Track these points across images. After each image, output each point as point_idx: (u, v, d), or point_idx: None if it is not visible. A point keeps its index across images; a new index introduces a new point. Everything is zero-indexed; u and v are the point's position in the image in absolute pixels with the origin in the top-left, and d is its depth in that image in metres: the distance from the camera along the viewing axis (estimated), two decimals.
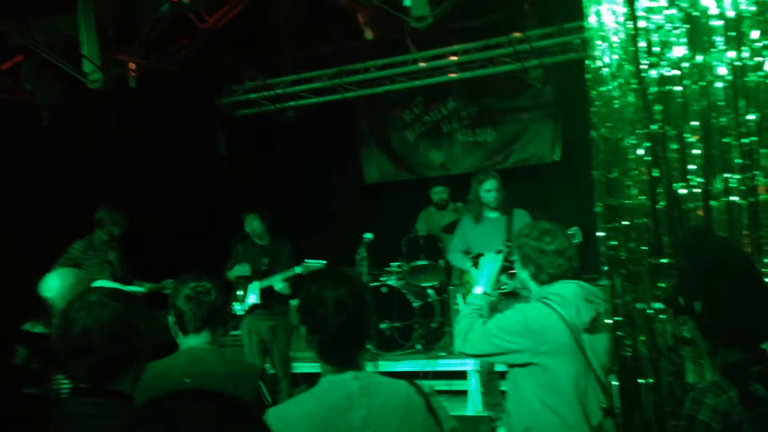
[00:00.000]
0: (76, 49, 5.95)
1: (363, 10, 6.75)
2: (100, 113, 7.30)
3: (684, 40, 2.50)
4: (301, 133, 8.55)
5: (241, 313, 5.91)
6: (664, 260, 2.54)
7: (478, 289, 2.94)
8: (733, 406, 1.76)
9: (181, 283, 2.55)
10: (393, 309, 6.62)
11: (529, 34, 6.88)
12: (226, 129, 8.62)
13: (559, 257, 2.73)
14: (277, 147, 8.78)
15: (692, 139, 2.50)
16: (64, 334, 1.84)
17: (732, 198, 2.47)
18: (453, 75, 7.59)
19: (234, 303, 5.93)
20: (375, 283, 6.79)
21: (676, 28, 2.50)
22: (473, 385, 5.95)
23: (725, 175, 2.47)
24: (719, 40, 2.44)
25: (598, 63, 2.65)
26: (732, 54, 2.41)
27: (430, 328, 6.82)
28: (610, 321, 2.56)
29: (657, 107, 2.53)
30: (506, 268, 3.05)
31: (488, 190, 5.18)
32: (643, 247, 2.54)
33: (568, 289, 2.70)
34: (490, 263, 2.98)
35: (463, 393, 6.03)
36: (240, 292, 5.88)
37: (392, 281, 6.84)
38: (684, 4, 2.48)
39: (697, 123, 2.49)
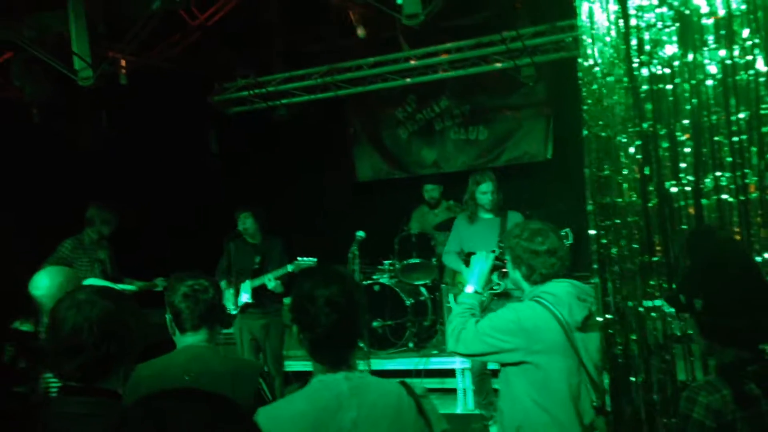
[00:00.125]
0: (66, 45, 5.91)
1: (355, 7, 6.73)
2: (90, 110, 7.26)
3: (675, 38, 2.50)
4: (294, 131, 8.53)
5: (234, 312, 5.89)
6: (655, 258, 2.55)
7: (469, 288, 2.94)
8: (726, 405, 1.77)
9: (178, 281, 2.53)
10: (385, 307, 6.62)
11: (521, 32, 6.89)
12: (218, 127, 8.60)
13: (551, 257, 2.73)
14: (269, 145, 8.76)
15: (683, 137, 2.50)
16: (54, 333, 1.83)
17: (723, 196, 2.48)
18: (445, 73, 7.60)
19: (226, 302, 5.91)
20: (367, 282, 6.79)
21: (667, 27, 2.50)
22: (460, 383, 5.96)
23: (716, 173, 2.48)
24: (710, 38, 2.45)
25: (590, 61, 2.65)
26: (722, 52, 2.42)
27: (423, 326, 6.83)
28: (601, 318, 2.57)
29: (648, 105, 2.54)
30: (498, 268, 3.05)
31: (484, 192, 5.18)
32: (634, 246, 2.55)
33: (561, 287, 2.70)
34: (481, 262, 2.98)
35: (455, 391, 6.04)
36: (231, 291, 5.86)
37: (384, 279, 6.84)
38: (675, 3, 2.49)
39: (687, 121, 2.50)
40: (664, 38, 2.51)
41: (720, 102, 2.46)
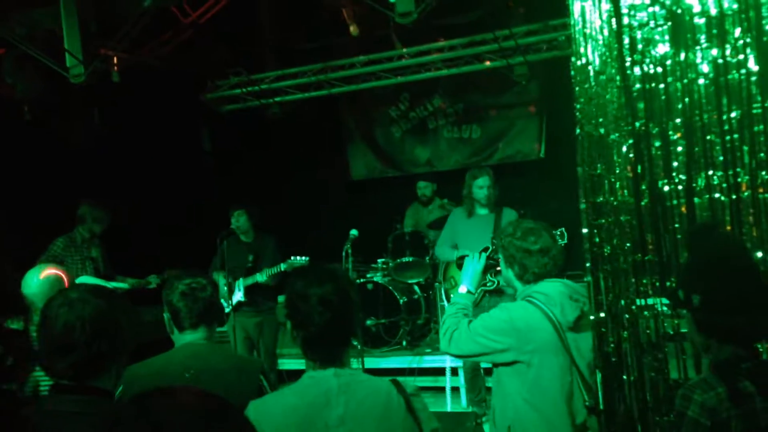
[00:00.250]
0: (57, 42, 5.88)
1: (348, 5, 6.73)
2: (82, 108, 7.22)
3: (667, 37, 2.51)
4: (287, 129, 8.52)
5: (228, 310, 5.89)
6: (648, 257, 2.55)
7: (462, 288, 2.94)
8: (721, 403, 1.78)
9: (176, 279, 2.53)
10: (379, 306, 6.63)
11: (514, 31, 6.91)
12: (211, 125, 8.58)
13: (544, 257, 2.74)
14: (262, 143, 8.75)
15: (675, 136, 2.51)
16: (46, 331, 1.82)
17: (715, 195, 2.49)
18: (438, 71, 7.60)
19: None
20: (361, 280, 6.79)
21: (659, 26, 2.51)
22: (448, 381, 5.97)
23: (708, 172, 2.49)
24: (702, 37, 2.45)
25: (583, 60, 2.65)
26: (714, 52, 2.43)
27: (416, 324, 6.84)
28: (594, 317, 2.57)
29: (640, 104, 2.54)
30: (492, 266, 3.06)
31: (481, 186, 5.21)
32: (626, 244, 2.55)
33: (554, 287, 2.71)
34: (474, 263, 2.98)
35: (451, 389, 6.04)
36: (225, 288, 5.86)
37: (378, 278, 6.85)
38: (667, 2, 2.49)
39: (680, 120, 2.50)
40: (657, 37, 2.52)
41: (712, 101, 2.46)
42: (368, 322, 6.62)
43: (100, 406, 1.74)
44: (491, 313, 2.74)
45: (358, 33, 6.88)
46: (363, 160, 9.39)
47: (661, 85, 2.52)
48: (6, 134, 6.41)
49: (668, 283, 2.53)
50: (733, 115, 2.45)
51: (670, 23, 2.52)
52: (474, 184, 5.25)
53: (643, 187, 2.54)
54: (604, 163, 2.59)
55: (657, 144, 2.53)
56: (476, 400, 5.34)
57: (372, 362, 6.32)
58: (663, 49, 2.53)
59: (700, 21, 2.46)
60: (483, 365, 5.11)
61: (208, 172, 8.46)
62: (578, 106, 2.66)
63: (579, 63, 2.64)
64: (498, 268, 3.03)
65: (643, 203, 2.54)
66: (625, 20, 2.57)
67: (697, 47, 2.48)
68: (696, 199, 2.51)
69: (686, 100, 2.50)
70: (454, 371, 6.01)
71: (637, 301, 2.53)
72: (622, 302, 2.49)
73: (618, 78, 2.57)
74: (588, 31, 2.60)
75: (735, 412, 1.77)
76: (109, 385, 1.83)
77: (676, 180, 2.51)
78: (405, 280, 6.89)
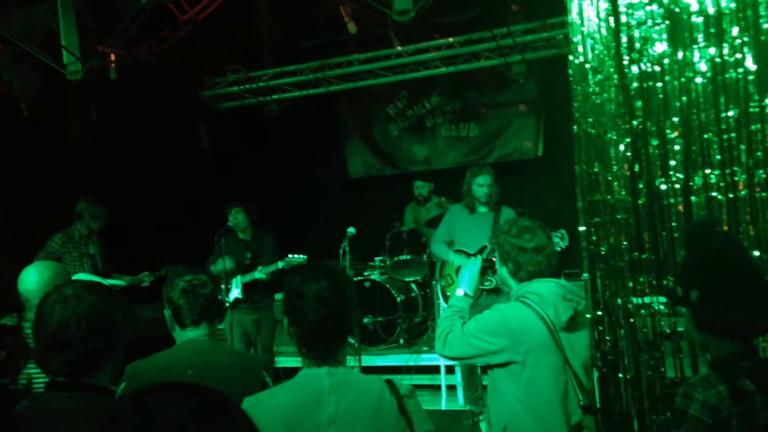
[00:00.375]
0: (55, 39, 5.87)
1: (346, 3, 6.72)
2: (80, 105, 7.20)
3: (665, 36, 2.51)
4: (285, 127, 8.51)
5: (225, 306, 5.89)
6: (645, 255, 2.55)
7: (459, 291, 2.95)
8: (722, 401, 1.78)
9: (176, 276, 2.52)
10: (376, 303, 6.63)
11: (512, 29, 6.90)
12: (209, 122, 8.56)
13: (538, 255, 2.75)
14: (260, 140, 8.74)
15: (673, 135, 2.51)
16: (41, 328, 1.82)
17: (712, 194, 2.49)
18: (436, 69, 7.60)
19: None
20: (358, 278, 6.79)
21: (657, 25, 2.51)
22: (443, 379, 5.97)
23: (705, 170, 2.49)
24: (700, 36, 2.45)
25: (581, 58, 2.65)
26: (712, 50, 2.43)
27: (413, 322, 6.84)
28: (590, 315, 2.58)
29: (638, 103, 2.54)
30: (490, 266, 3.07)
31: (481, 184, 5.21)
32: (623, 243, 2.55)
33: (547, 287, 2.71)
34: (471, 266, 2.99)
35: (448, 387, 6.05)
36: (222, 286, 5.86)
37: (375, 276, 6.85)
38: (665, 1, 2.49)
39: (677, 119, 2.50)
40: (654, 36, 2.52)
41: (709, 100, 2.46)
42: (365, 320, 6.62)
43: (96, 402, 1.74)
44: (484, 314, 2.74)
45: (356, 31, 6.87)
46: (361, 158, 9.39)
47: (659, 84, 2.53)
48: (3, 131, 6.39)
49: (665, 282, 2.53)
50: (730, 113, 2.45)
51: (667, 22, 2.52)
52: (474, 182, 5.25)
53: (641, 186, 2.54)
54: (601, 161, 2.59)
55: (654, 142, 2.53)
56: (473, 398, 5.34)
57: (369, 360, 6.33)
58: (661, 47, 2.53)
59: (697, 20, 2.46)
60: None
61: (206, 170, 8.44)
62: (576, 105, 2.66)
63: (577, 61, 2.64)
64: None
65: (640, 202, 2.54)
66: (623, 19, 2.57)
67: (695, 46, 2.48)
68: (693, 198, 2.51)
69: (684, 98, 2.50)
70: (451, 369, 6.01)
71: (634, 300, 2.53)
72: (619, 300, 2.49)
73: (615, 76, 2.57)
74: (586, 29, 2.61)
75: (735, 410, 1.78)
76: (104, 382, 1.83)
77: (674, 178, 2.51)
78: (402, 278, 6.89)
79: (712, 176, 2.47)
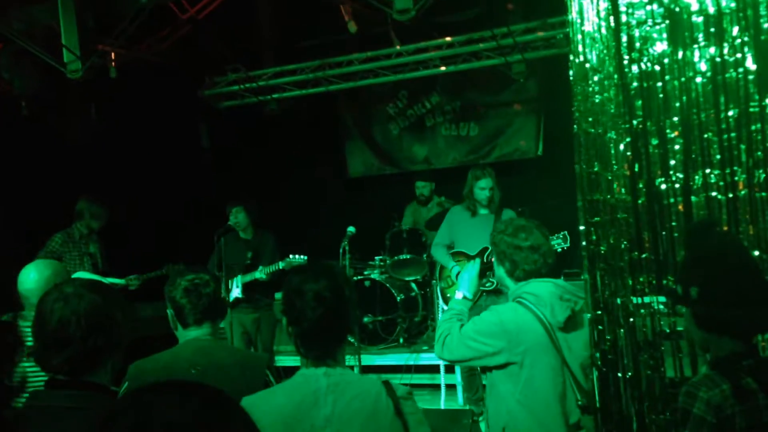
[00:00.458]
0: (55, 38, 5.87)
1: (346, 2, 6.72)
2: (80, 104, 7.21)
3: (665, 35, 2.51)
4: (285, 126, 8.51)
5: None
6: (645, 255, 2.55)
7: (458, 294, 2.96)
8: (725, 399, 1.78)
9: (178, 275, 2.52)
10: (376, 303, 6.63)
11: (512, 29, 6.90)
12: (209, 121, 8.56)
13: (534, 253, 2.75)
14: (260, 140, 8.74)
15: (673, 134, 2.51)
16: (41, 326, 1.82)
17: (712, 193, 2.49)
18: (436, 69, 7.60)
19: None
20: (358, 277, 6.79)
21: (657, 24, 2.51)
22: (442, 379, 5.97)
23: (705, 170, 2.49)
24: (700, 36, 2.45)
25: (581, 58, 2.65)
26: (712, 50, 2.43)
27: (413, 322, 6.84)
28: (590, 315, 2.57)
29: (638, 103, 2.54)
30: (489, 267, 3.07)
31: (482, 187, 5.21)
32: (623, 242, 2.55)
33: (544, 287, 2.71)
34: (470, 269, 3.00)
35: (447, 387, 6.05)
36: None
37: (375, 275, 6.85)
38: (665, 0, 2.49)
39: (677, 119, 2.50)
40: (655, 35, 2.52)
41: (709, 100, 2.46)
42: (365, 319, 6.62)
43: (96, 400, 1.74)
44: (481, 316, 2.75)
45: (356, 30, 6.87)
46: (361, 158, 9.39)
47: (659, 84, 2.53)
48: (3, 130, 6.39)
49: (665, 282, 2.53)
50: (730, 113, 2.45)
51: (668, 21, 2.52)
52: (476, 185, 5.25)
53: (640, 186, 2.54)
54: (601, 161, 2.59)
55: (654, 142, 2.53)
56: (474, 399, 5.34)
57: (369, 359, 6.33)
58: (661, 47, 2.53)
59: (698, 19, 2.46)
60: None
61: (206, 169, 8.44)
62: (576, 104, 2.66)
63: (577, 61, 2.64)
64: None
65: (640, 201, 2.54)
66: (623, 18, 2.57)
67: (695, 45, 2.48)
68: (693, 198, 2.51)
69: (684, 98, 2.50)
70: (450, 369, 6.01)
71: (634, 299, 2.53)
72: (618, 300, 2.49)
73: (616, 76, 2.57)
74: (586, 28, 2.60)
75: (739, 409, 1.78)
76: (104, 380, 1.83)
77: (673, 178, 2.51)
78: (402, 278, 6.89)
79: (712, 176, 2.47)
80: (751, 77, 2.41)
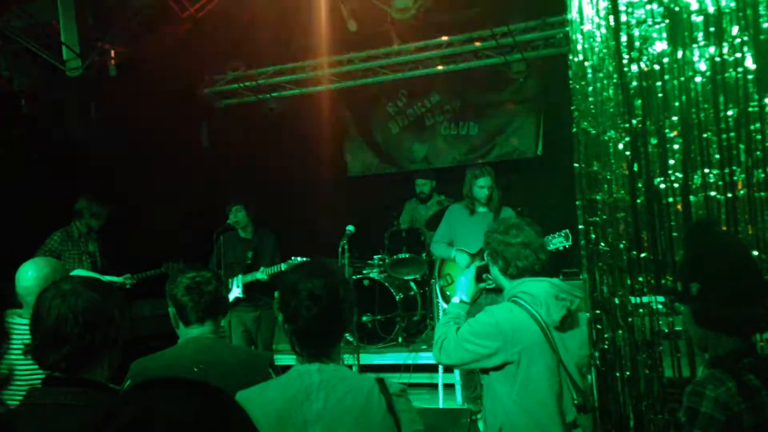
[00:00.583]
0: (55, 35, 5.87)
1: (347, 1, 6.72)
2: (79, 101, 7.20)
3: (665, 35, 2.51)
4: (284, 125, 8.50)
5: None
6: (643, 254, 2.55)
7: (455, 299, 2.96)
8: (732, 398, 1.78)
9: (180, 273, 2.52)
10: (375, 302, 6.63)
11: (512, 28, 6.90)
12: (209, 119, 8.55)
13: (525, 249, 2.76)
14: (259, 138, 8.73)
15: (672, 134, 2.51)
16: (38, 323, 1.81)
17: (711, 193, 2.49)
18: (436, 68, 7.59)
19: None
20: (357, 276, 6.79)
21: (657, 23, 2.51)
22: (440, 378, 5.97)
23: (704, 170, 2.49)
24: (699, 35, 2.45)
25: (580, 57, 2.65)
26: (712, 50, 2.43)
27: (412, 321, 6.84)
28: (589, 314, 2.58)
29: (637, 102, 2.54)
30: (486, 270, 3.08)
31: (481, 186, 5.23)
32: (622, 242, 2.55)
33: (539, 287, 2.72)
34: (467, 273, 3.01)
35: (446, 386, 6.05)
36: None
37: (374, 274, 6.84)
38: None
39: (676, 118, 2.50)
40: (654, 35, 2.51)
41: (709, 99, 2.46)
42: (364, 318, 6.62)
43: (93, 398, 1.74)
44: (477, 317, 2.75)
45: (356, 29, 6.87)
46: (360, 157, 9.39)
47: (658, 83, 2.52)
48: (2, 127, 6.39)
49: (663, 281, 2.53)
50: (729, 113, 2.45)
51: (667, 21, 2.52)
52: (475, 183, 5.26)
53: (639, 185, 2.54)
54: (600, 160, 2.59)
55: (653, 141, 2.53)
56: (472, 397, 5.34)
57: (367, 358, 6.32)
58: (660, 46, 2.53)
59: (697, 19, 2.46)
60: None
61: (205, 167, 8.43)
62: (575, 103, 2.66)
63: (576, 60, 2.64)
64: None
65: (639, 201, 2.54)
66: (623, 17, 2.56)
67: (695, 45, 2.48)
68: (692, 197, 2.51)
69: (683, 97, 2.50)
70: (449, 367, 6.01)
71: (633, 299, 2.53)
72: (617, 300, 2.49)
73: (615, 75, 2.57)
74: (585, 28, 2.60)
75: (745, 406, 1.78)
76: (102, 378, 1.83)
77: (672, 178, 2.51)
78: (401, 277, 6.89)
79: (711, 175, 2.47)
80: (750, 77, 2.41)
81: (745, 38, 2.40)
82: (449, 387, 6.02)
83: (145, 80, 7.04)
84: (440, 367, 6.02)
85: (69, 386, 1.76)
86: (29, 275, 2.99)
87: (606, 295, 2.57)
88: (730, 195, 2.47)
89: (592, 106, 2.64)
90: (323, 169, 9.14)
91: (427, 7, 5.34)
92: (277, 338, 6.18)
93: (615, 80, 2.58)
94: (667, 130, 2.52)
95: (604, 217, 2.59)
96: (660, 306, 2.55)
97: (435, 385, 6.11)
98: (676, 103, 2.50)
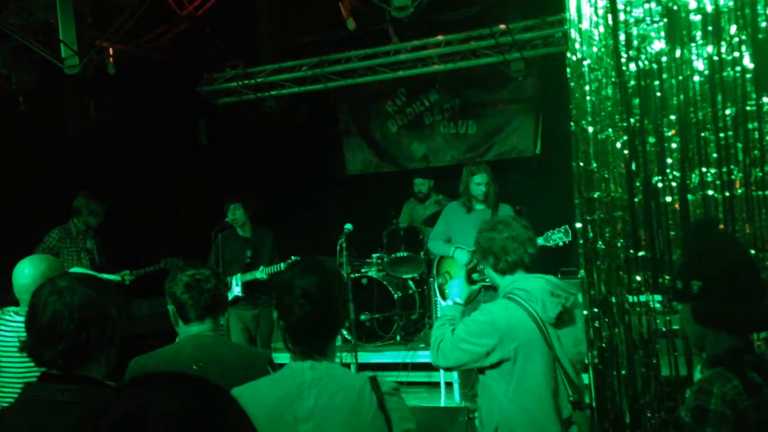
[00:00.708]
0: (53, 33, 5.85)
1: None
2: (78, 99, 7.19)
3: (663, 34, 2.51)
4: (283, 123, 8.49)
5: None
6: (641, 253, 2.56)
7: (449, 301, 2.96)
8: (738, 395, 1.79)
9: (179, 270, 2.51)
10: (373, 300, 6.63)
11: (510, 27, 6.89)
12: (207, 117, 8.54)
13: (513, 242, 2.77)
14: (258, 136, 8.72)
15: (670, 133, 2.51)
16: (34, 320, 1.81)
17: (708, 192, 2.49)
18: (435, 66, 7.59)
19: None
20: (355, 275, 6.78)
21: (655, 22, 2.51)
22: (443, 376, 5.97)
23: (702, 169, 2.49)
24: (698, 34, 2.45)
25: (578, 56, 2.65)
26: (710, 49, 2.43)
27: (410, 319, 6.84)
28: (586, 312, 2.58)
29: (635, 101, 2.54)
30: (474, 269, 3.09)
31: (478, 183, 5.24)
32: (619, 240, 2.56)
33: (535, 283, 2.71)
34: (458, 276, 3.02)
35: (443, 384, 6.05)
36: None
37: (372, 273, 6.84)
38: None
39: (674, 117, 2.50)
40: (652, 34, 2.52)
41: (707, 98, 2.47)
42: (362, 317, 6.62)
43: (89, 394, 1.74)
44: (473, 316, 2.75)
45: (354, 27, 6.85)
46: (359, 155, 9.38)
47: (656, 82, 2.53)
48: (1, 125, 6.38)
49: (661, 280, 2.53)
50: (727, 112, 2.46)
51: (665, 20, 2.52)
52: (471, 180, 5.27)
53: (637, 184, 2.54)
54: (598, 158, 2.59)
55: (651, 140, 2.53)
56: (470, 395, 5.35)
57: (365, 357, 6.32)
58: (658, 45, 2.53)
59: (696, 18, 2.46)
60: None
61: (204, 166, 8.43)
62: (573, 102, 2.66)
63: (574, 58, 2.64)
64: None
65: (636, 199, 2.55)
66: (621, 16, 2.57)
67: (693, 44, 2.48)
68: (689, 196, 2.52)
69: (681, 96, 2.50)
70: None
71: (630, 298, 2.54)
72: (613, 299, 2.49)
73: (613, 74, 2.57)
74: (584, 26, 2.60)
75: (750, 403, 1.78)
76: (98, 374, 1.83)
77: (670, 177, 2.52)
78: (399, 275, 6.88)
79: (709, 174, 2.48)
80: (748, 76, 2.41)
81: (744, 37, 2.40)
82: (447, 385, 6.02)
83: (143, 78, 7.03)
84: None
85: (65, 383, 1.76)
86: (26, 272, 2.99)
87: (603, 293, 2.58)
88: (727, 194, 2.48)
89: (590, 105, 2.64)
90: (322, 167, 9.14)
91: (425, 6, 5.33)
92: (276, 336, 6.18)
93: (613, 79, 2.59)
94: (665, 129, 2.52)
95: (602, 215, 2.60)
96: (657, 305, 2.56)
97: (433, 384, 6.11)
98: (674, 102, 2.51)
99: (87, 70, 6.07)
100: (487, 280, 4.70)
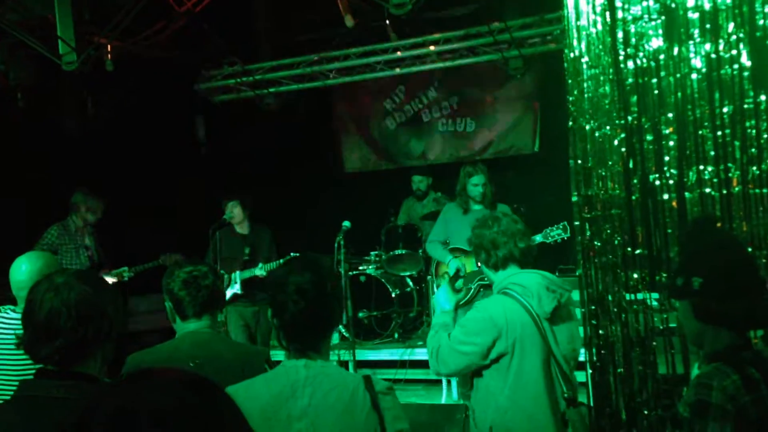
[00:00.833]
0: (50, 29, 5.84)
1: None
2: (75, 96, 7.18)
3: (661, 31, 2.51)
4: (281, 120, 8.49)
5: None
6: (638, 251, 2.56)
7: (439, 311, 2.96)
8: (738, 390, 1.79)
9: (177, 267, 2.51)
10: (371, 298, 6.62)
11: (509, 24, 6.88)
12: (205, 114, 8.53)
13: (502, 236, 2.79)
14: (256, 133, 8.71)
15: (667, 130, 2.51)
16: (30, 316, 1.81)
17: (706, 190, 2.50)
18: (433, 64, 7.59)
19: None
20: (353, 272, 6.78)
21: (653, 20, 2.51)
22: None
23: (699, 166, 2.50)
24: (696, 32, 2.45)
25: (576, 53, 2.65)
26: (708, 46, 2.43)
27: (408, 317, 6.84)
28: (584, 310, 2.58)
29: (633, 98, 2.55)
30: (456, 275, 3.11)
31: (475, 184, 5.24)
32: (617, 238, 2.56)
33: (531, 278, 2.71)
34: (441, 287, 3.03)
35: (440, 382, 6.05)
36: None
37: (371, 270, 6.84)
38: None
39: (672, 115, 2.51)
40: (650, 31, 2.52)
41: (704, 96, 2.47)
42: (360, 315, 6.62)
43: (86, 391, 1.73)
44: (468, 316, 2.74)
45: (353, 24, 6.85)
46: (357, 152, 9.37)
47: (654, 80, 2.53)
48: None
49: (658, 278, 2.54)
50: (725, 110, 2.46)
51: (663, 17, 2.52)
52: (469, 181, 5.27)
53: (635, 181, 2.55)
54: (595, 156, 2.59)
55: (649, 138, 2.54)
56: (468, 394, 5.34)
57: (363, 354, 6.32)
58: (656, 43, 2.54)
59: (693, 16, 2.46)
60: None
61: (202, 163, 8.42)
62: (571, 99, 2.67)
63: (572, 56, 2.64)
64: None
65: (634, 197, 2.55)
66: (619, 14, 2.57)
67: (691, 42, 2.48)
68: (687, 194, 2.52)
69: (679, 94, 2.50)
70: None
71: (627, 296, 2.54)
72: (609, 297, 2.50)
73: (611, 71, 2.58)
74: (581, 23, 2.60)
75: (749, 398, 1.79)
76: (94, 371, 1.82)
77: (668, 174, 2.52)
78: (398, 273, 6.88)
79: (706, 172, 2.48)
80: (746, 74, 2.41)
81: (741, 35, 2.40)
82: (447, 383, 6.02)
83: (141, 75, 7.02)
84: None
85: (62, 379, 1.76)
86: (23, 269, 2.98)
87: (600, 291, 2.58)
88: (725, 192, 2.48)
89: (587, 103, 2.64)
90: (320, 164, 9.14)
91: (423, 3, 5.32)
92: (273, 334, 6.18)
93: (611, 76, 2.59)
94: (662, 127, 2.52)
95: (599, 213, 2.60)
96: (654, 302, 2.56)
97: (431, 381, 6.11)
98: (672, 100, 2.51)
99: (85, 67, 6.05)
100: (472, 285, 4.72)
